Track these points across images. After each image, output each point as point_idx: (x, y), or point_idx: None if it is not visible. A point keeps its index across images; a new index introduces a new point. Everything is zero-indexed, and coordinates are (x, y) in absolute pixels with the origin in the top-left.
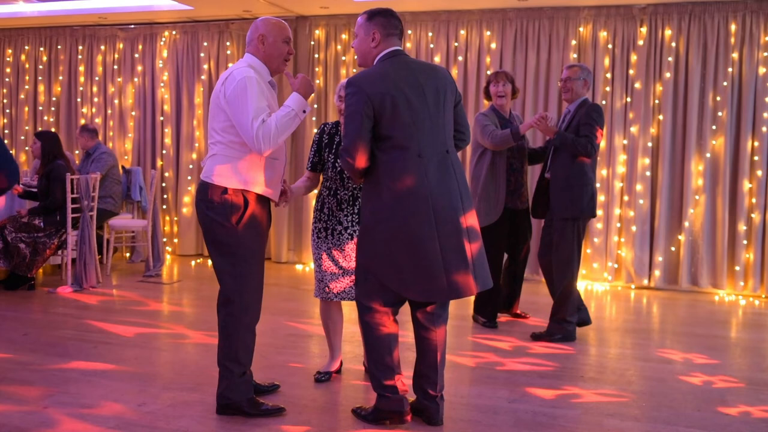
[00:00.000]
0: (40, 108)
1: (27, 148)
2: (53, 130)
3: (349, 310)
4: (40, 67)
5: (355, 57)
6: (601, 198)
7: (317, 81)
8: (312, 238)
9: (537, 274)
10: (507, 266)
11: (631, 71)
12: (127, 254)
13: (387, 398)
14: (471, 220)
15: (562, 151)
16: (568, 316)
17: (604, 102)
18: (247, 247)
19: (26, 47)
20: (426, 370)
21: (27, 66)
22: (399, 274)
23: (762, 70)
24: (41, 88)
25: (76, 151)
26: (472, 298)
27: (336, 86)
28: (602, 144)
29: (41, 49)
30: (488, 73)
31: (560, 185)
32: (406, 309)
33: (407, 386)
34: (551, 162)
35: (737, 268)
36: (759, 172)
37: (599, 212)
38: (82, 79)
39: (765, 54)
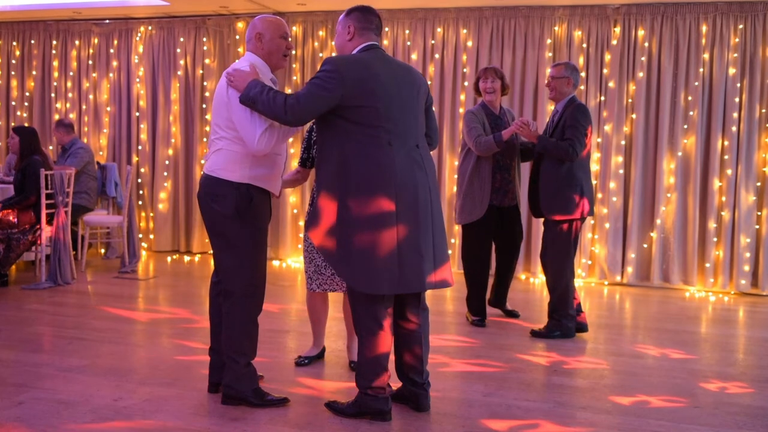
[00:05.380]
0: (13, 103)
1: None
2: (26, 125)
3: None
4: (13, 61)
5: (333, 54)
6: None
7: (294, 78)
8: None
9: (529, 272)
10: (496, 263)
11: (605, 70)
12: (102, 250)
13: (373, 397)
14: (438, 215)
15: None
16: (565, 314)
17: None
18: (251, 240)
19: None
20: (412, 361)
21: (0, 60)
22: (365, 269)
23: (732, 70)
24: (14, 83)
25: (50, 147)
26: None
27: None
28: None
29: (14, 43)
30: (464, 71)
31: (550, 189)
32: None
33: (393, 387)
34: (540, 165)
35: (707, 265)
36: (729, 171)
37: None
38: (56, 74)
39: (734, 55)
